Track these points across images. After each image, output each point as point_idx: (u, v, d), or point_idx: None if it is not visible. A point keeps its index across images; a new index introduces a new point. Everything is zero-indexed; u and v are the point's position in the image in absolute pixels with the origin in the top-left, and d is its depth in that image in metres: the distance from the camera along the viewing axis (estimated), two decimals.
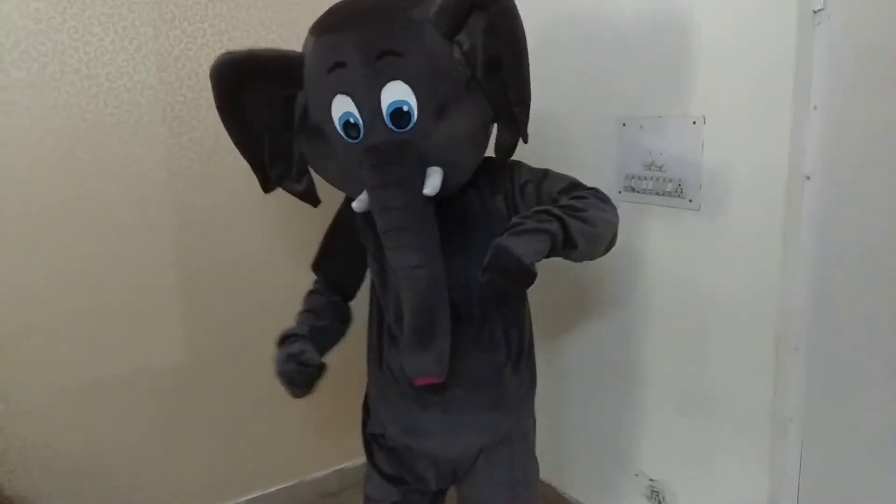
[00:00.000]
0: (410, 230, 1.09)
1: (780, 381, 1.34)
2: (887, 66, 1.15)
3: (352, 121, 1.09)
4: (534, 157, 1.31)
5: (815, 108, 1.23)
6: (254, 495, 1.96)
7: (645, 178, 1.54)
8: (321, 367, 1.16)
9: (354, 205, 1.13)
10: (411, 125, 1.08)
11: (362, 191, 1.12)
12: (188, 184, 1.71)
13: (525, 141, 1.20)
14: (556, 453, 1.97)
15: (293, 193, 1.26)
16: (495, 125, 1.20)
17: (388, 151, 1.09)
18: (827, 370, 1.30)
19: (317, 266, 1.40)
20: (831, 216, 1.26)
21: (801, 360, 1.32)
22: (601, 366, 1.76)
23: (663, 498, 1.64)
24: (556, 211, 1.09)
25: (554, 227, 1.06)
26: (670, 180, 1.48)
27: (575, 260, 1.15)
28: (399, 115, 1.07)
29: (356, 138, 1.10)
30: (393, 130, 1.08)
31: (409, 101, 1.07)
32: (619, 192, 1.60)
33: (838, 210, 1.25)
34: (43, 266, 1.57)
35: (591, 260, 1.20)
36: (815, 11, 1.19)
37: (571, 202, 1.15)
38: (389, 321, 1.26)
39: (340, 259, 1.37)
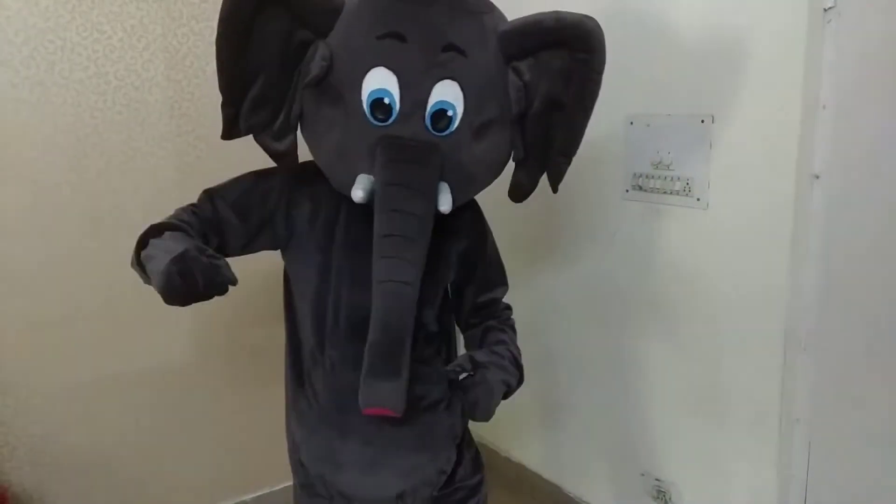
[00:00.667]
0: (417, 243, 0.98)
1: (787, 381, 1.34)
2: None
3: (386, 101, 0.96)
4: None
5: (825, 106, 1.22)
6: (260, 493, 1.97)
7: (653, 177, 1.53)
8: (232, 283, 0.92)
9: (357, 193, 0.97)
10: (448, 132, 0.99)
11: (353, 175, 0.99)
12: (196, 181, 1.69)
13: (555, 191, 1.16)
14: (561, 453, 1.97)
15: (268, 151, 1.07)
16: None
17: (416, 150, 0.98)
18: (835, 370, 1.29)
19: (212, 194, 1.14)
20: (840, 215, 1.25)
21: (809, 359, 1.31)
22: (608, 365, 1.76)
23: (669, 498, 1.64)
24: (517, 366, 1.15)
25: (514, 383, 1.13)
26: (678, 179, 1.48)
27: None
28: (441, 116, 0.98)
29: (383, 122, 0.97)
30: (428, 129, 0.98)
31: (456, 106, 0.99)
32: (627, 191, 1.60)
33: (847, 209, 1.24)
34: (51, 263, 1.58)
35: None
36: (825, 10, 1.19)
37: (513, 351, 1.17)
38: (320, 331, 1.12)
39: (243, 213, 1.12)
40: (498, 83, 1.02)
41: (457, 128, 0.99)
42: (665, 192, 1.51)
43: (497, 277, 1.27)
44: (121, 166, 1.62)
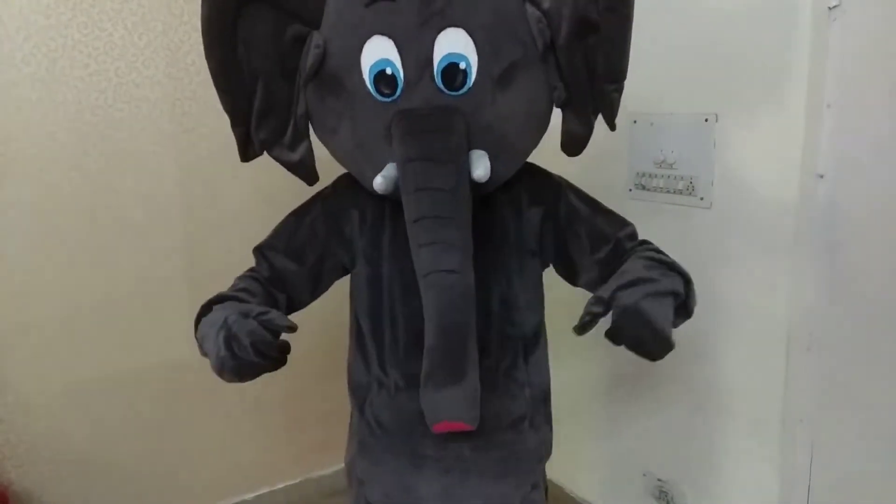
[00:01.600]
0: (454, 221, 0.86)
1: (790, 381, 1.33)
2: None
3: (389, 71, 0.87)
4: (543, 154, 1.30)
5: (829, 106, 1.21)
6: (260, 492, 1.96)
7: (656, 176, 1.53)
8: (290, 329, 0.87)
9: (378, 182, 0.88)
10: (466, 89, 0.87)
11: (380, 168, 0.90)
12: (197, 179, 1.71)
13: (612, 128, 1.01)
14: (564, 453, 1.96)
15: (285, 164, 0.99)
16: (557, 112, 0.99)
17: (435, 117, 0.86)
18: (838, 370, 1.29)
19: (262, 250, 1.07)
20: (844, 215, 1.24)
21: (812, 360, 1.31)
22: (610, 365, 1.75)
23: (672, 498, 1.64)
24: (681, 268, 0.94)
25: (681, 288, 0.90)
26: (682, 178, 1.47)
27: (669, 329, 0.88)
28: (453, 72, 0.86)
29: (390, 96, 0.88)
30: (442, 91, 0.87)
31: (468, 56, 0.86)
32: (630, 190, 1.59)
33: (851, 209, 1.24)
34: (52, 261, 1.58)
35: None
36: (830, 8, 1.18)
37: (670, 259, 0.97)
38: (380, 350, 1.03)
39: (297, 255, 1.05)
40: (514, 18, 0.89)
41: (475, 82, 0.87)
42: (668, 192, 1.51)
43: (609, 225, 1.06)
44: (121, 164, 1.62)
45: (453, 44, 0.85)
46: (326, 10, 0.92)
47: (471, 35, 0.86)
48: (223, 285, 1.06)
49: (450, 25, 0.85)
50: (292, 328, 0.86)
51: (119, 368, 1.68)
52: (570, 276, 1.10)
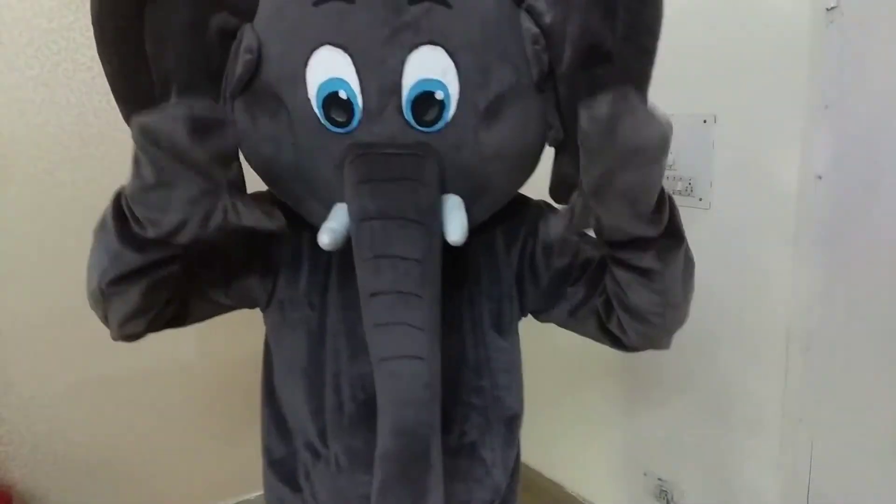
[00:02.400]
0: (418, 299, 0.67)
1: (790, 381, 1.34)
2: None
3: (343, 95, 0.67)
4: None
5: (827, 107, 1.22)
6: (261, 492, 1.96)
7: None
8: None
9: (324, 239, 0.66)
10: (442, 123, 0.68)
11: (327, 204, 0.70)
12: None
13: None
14: (564, 452, 1.97)
15: None
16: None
17: (401, 159, 0.68)
18: (837, 370, 1.29)
19: None
20: (842, 216, 1.25)
21: (811, 359, 1.31)
22: (609, 365, 1.76)
23: (672, 497, 1.64)
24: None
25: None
26: (680, 179, 1.48)
27: (658, 290, 0.78)
28: (427, 103, 0.67)
29: (344, 126, 0.68)
30: (411, 126, 0.68)
31: (447, 84, 0.67)
32: None
33: (849, 210, 1.24)
34: (54, 262, 1.58)
35: (667, 312, 0.84)
36: (827, 9, 1.19)
37: None
38: (319, 417, 0.83)
39: (221, 258, 0.80)
40: (506, 35, 0.71)
41: (454, 115, 0.68)
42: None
43: (600, 247, 0.82)
44: (124, 166, 1.61)
45: (429, 66, 0.67)
46: (263, 1, 0.72)
47: (452, 56, 0.67)
48: None
49: (425, 42, 0.66)
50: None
51: (121, 369, 1.69)
52: (545, 310, 0.89)
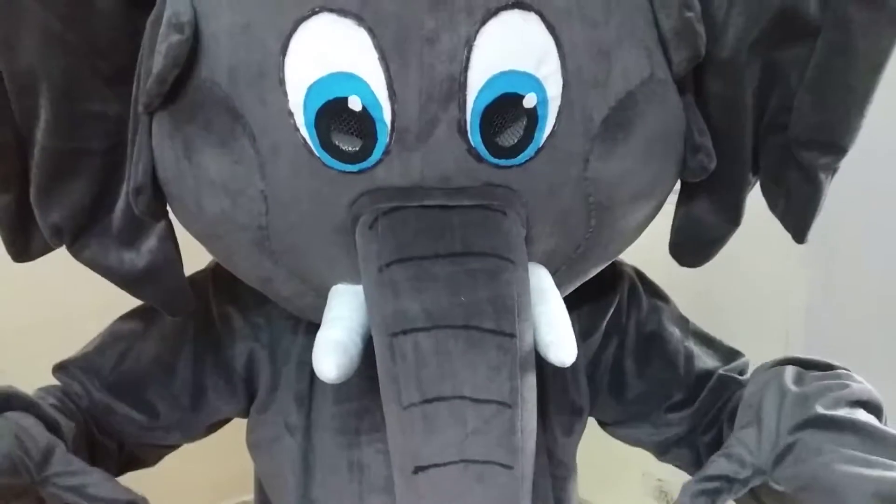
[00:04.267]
0: (506, 472, 0.39)
1: None
2: None
3: (355, 105, 0.40)
4: None
5: None
6: None
7: None
8: None
9: (328, 371, 0.40)
10: (531, 151, 0.43)
11: (317, 294, 0.47)
12: None
13: (801, 240, 0.61)
14: None
15: (117, 277, 0.57)
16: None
17: (463, 219, 0.41)
18: None
19: (64, 366, 0.66)
20: (844, 215, 1.24)
21: None
22: None
23: (671, 498, 1.64)
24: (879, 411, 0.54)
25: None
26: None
27: None
28: (508, 115, 0.43)
29: (355, 160, 0.42)
30: (480, 157, 0.42)
31: (543, 80, 0.42)
32: None
33: (851, 209, 1.24)
34: (53, 261, 1.58)
35: None
36: None
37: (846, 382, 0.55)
38: None
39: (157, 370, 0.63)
40: (640, 2, 0.45)
41: (552, 134, 0.43)
42: None
43: (710, 357, 0.68)
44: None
45: (515, 52, 0.41)
46: None
47: (552, 30, 0.41)
48: None
49: (510, 5, 0.40)
50: None
51: None
52: (625, 428, 0.69)
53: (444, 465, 0.38)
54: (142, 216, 0.47)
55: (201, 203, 0.45)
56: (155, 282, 0.51)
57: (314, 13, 0.39)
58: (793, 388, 0.54)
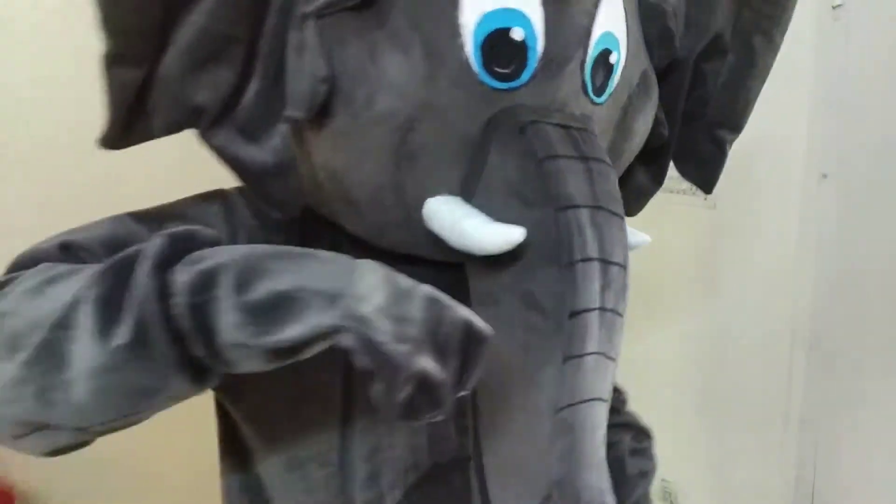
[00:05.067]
0: (621, 320, 0.52)
1: (794, 381, 1.33)
2: None
3: (517, 35, 0.48)
4: None
5: (833, 105, 1.21)
6: None
7: None
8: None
9: (515, 232, 0.47)
10: (605, 96, 0.56)
11: (413, 206, 0.52)
12: (202, 178, 1.70)
13: (709, 190, 0.81)
14: None
15: (237, 164, 0.53)
16: None
17: (585, 136, 0.52)
18: (842, 369, 1.29)
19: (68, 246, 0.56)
20: (848, 215, 1.24)
21: (816, 359, 1.31)
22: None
23: (675, 499, 1.64)
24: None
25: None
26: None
27: None
28: (602, 65, 0.54)
29: (508, 79, 0.49)
30: (586, 93, 0.54)
31: (620, 43, 0.55)
32: None
33: (855, 209, 1.24)
34: None
35: None
36: (833, 7, 1.18)
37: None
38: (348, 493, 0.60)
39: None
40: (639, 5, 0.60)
41: (617, 86, 0.57)
42: (672, 192, 1.50)
43: None
44: (126, 165, 1.62)
45: (615, 18, 0.53)
46: None
47: (625, 13, 0.56)
48: None
49: None
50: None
51: None
52: None
53: (590, 311, 0.48)
54: (277, 104, 0.48)
55: (374, 99, 0.48)
56: (278, 178, 0.51)
57: None
58: None
